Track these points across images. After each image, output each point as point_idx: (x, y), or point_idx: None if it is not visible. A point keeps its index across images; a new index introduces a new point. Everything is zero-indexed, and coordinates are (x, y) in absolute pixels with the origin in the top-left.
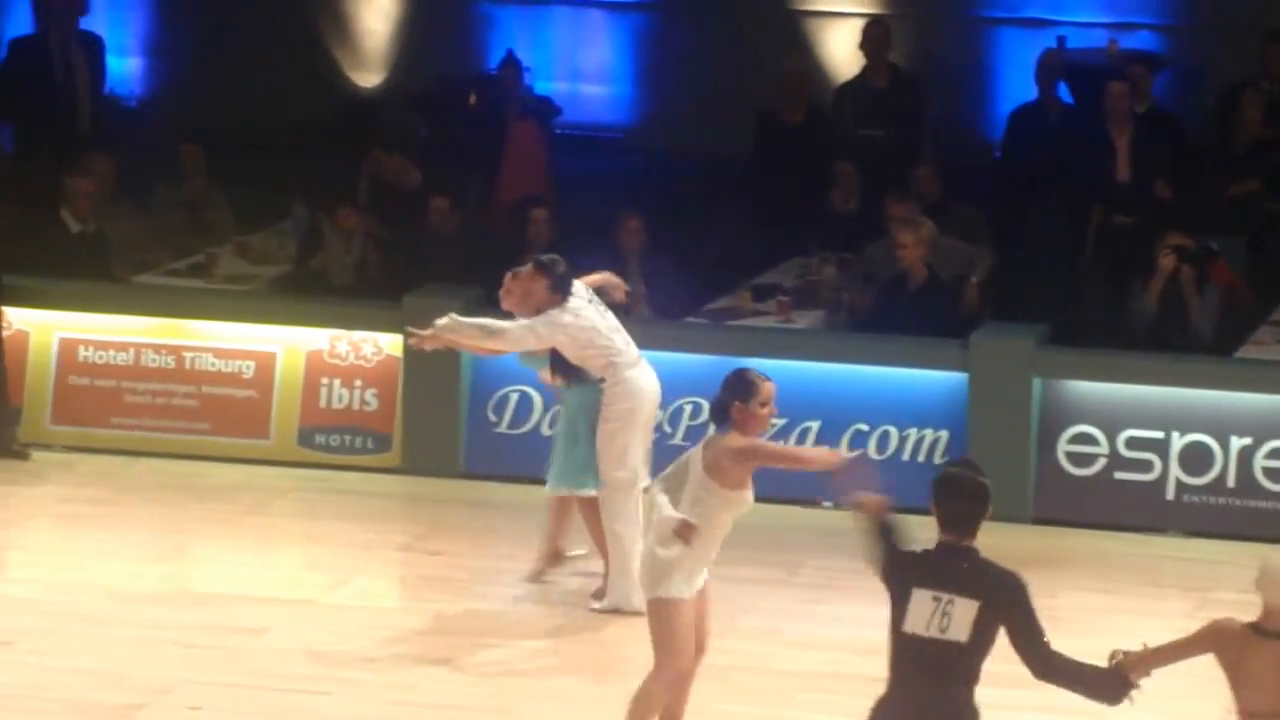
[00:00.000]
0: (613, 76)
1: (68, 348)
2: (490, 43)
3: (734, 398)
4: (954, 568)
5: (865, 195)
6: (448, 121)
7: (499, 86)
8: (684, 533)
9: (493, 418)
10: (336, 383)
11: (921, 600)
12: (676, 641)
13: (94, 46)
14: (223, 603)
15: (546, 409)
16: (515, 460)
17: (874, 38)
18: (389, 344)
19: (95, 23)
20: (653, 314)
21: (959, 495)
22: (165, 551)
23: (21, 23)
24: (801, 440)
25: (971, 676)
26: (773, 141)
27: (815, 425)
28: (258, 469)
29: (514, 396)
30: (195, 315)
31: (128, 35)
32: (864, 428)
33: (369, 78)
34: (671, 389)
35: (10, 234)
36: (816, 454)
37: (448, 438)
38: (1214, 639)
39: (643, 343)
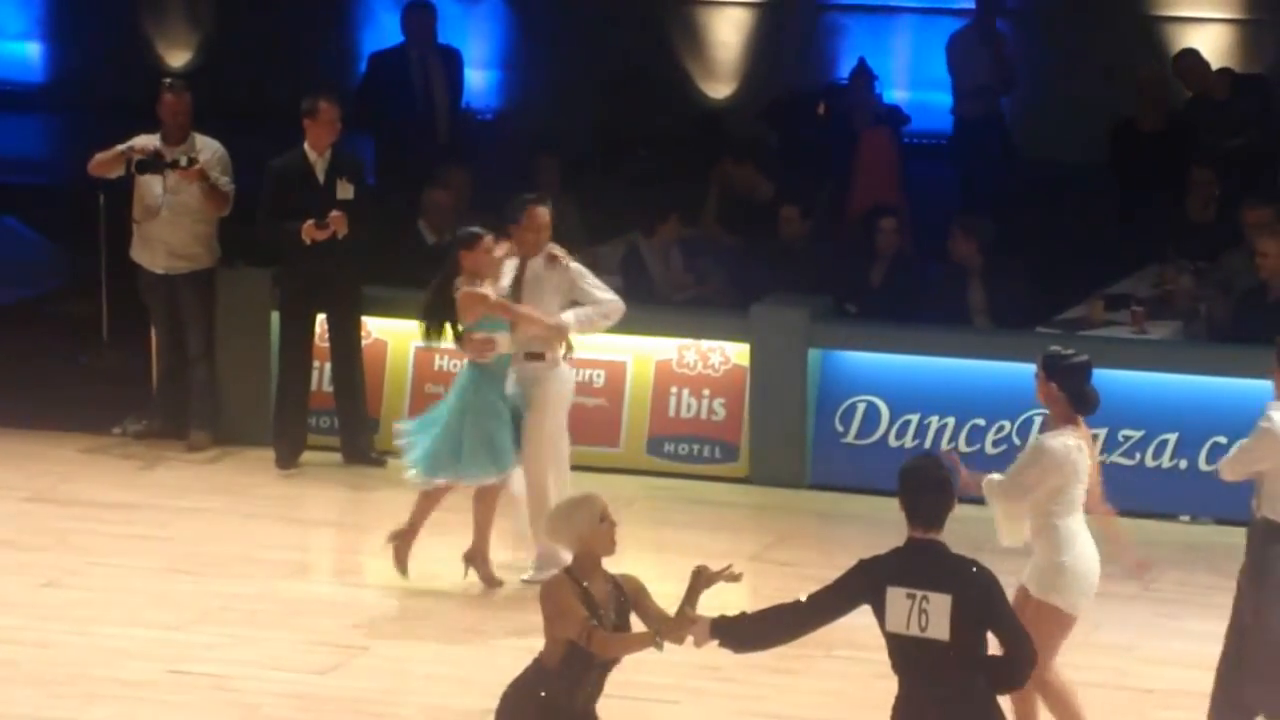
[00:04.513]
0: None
1: (423, 357)
2: (840, 52)
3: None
4: (924, 564)
5: (1223, 203)
6: (797, 131)
7: (850, 95)
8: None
9: (839, 428)
10: (685, 392)
11: (896, 598)
12: None
13: (452, 60)
14: None
15: (894, 419)
16: (862, 472)
17: (1188, 67)
18: (736, 353)
19: (452, 36)
20: (995, 323)
21: (923, 489)
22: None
23: (382, 37)
24: (1159, 454)
25: (964, 676)
26: (1129, 149)
27: (1172, 438)
28: (608, 477)
29: (861, 406)
30: None
31: (484, 49)
32: (1222, 440)
33: (720, 89)
34: (1023, 400)
35: (369, 246)
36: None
37: (794, 448)
38: None
39: (988, 352)
